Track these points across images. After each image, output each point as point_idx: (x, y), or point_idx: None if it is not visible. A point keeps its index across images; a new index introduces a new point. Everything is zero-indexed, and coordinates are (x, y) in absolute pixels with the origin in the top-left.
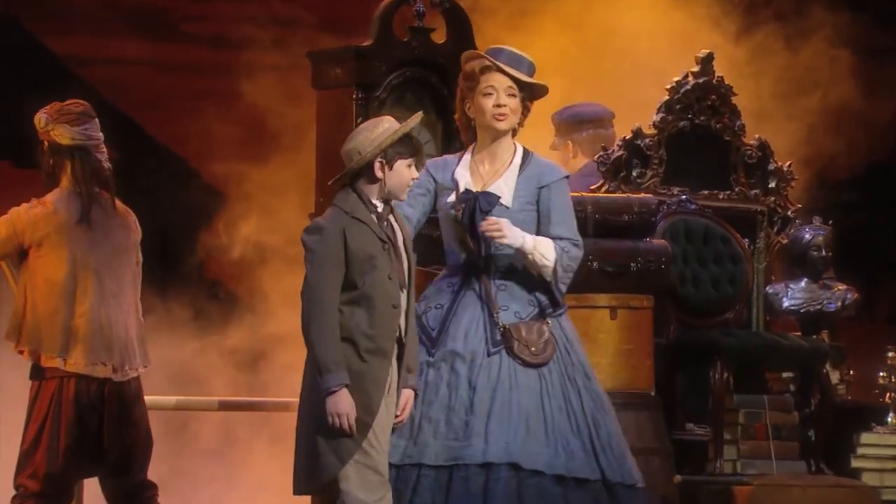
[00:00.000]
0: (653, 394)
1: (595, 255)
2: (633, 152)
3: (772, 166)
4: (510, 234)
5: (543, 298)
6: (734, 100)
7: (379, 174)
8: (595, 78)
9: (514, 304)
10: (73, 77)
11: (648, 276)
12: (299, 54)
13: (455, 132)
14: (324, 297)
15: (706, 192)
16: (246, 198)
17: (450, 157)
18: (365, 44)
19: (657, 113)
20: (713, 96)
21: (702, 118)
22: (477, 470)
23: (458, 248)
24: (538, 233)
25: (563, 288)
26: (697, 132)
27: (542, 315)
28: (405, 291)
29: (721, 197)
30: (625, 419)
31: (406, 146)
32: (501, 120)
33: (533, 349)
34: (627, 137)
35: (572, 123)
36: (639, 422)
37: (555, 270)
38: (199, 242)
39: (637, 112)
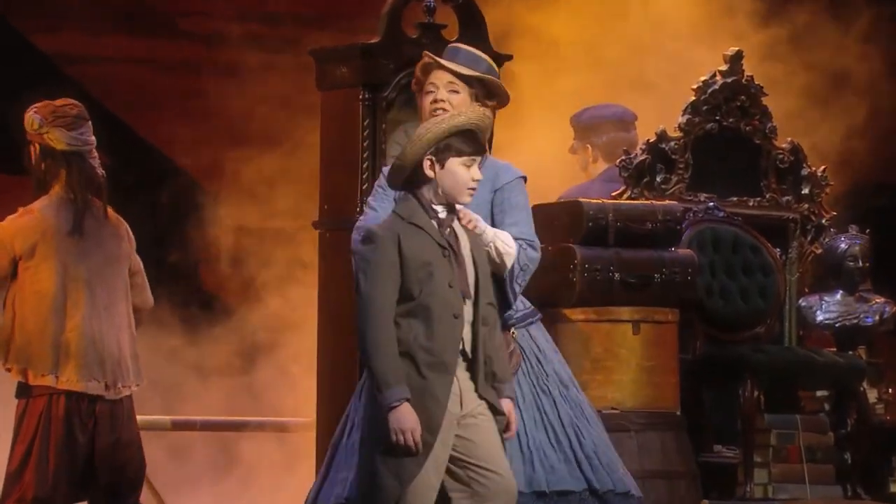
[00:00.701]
0: (678, 413)
1: (617, 265)
2: (658, 156)
3: (805, 171)
4: (480, 223)
5: (506, 307)
6: (765, 100)
7: (429, 173)
8: (621, 74)
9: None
10: (63, 76)
11: (673, 287)
12: (302, 52)
13: None
14: (379, 309)
15: (735, 198)
16: (243, 205)
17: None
18: (372, 41)
19: (683, 114)
20: (742, 96)
21: (730, 120)
22: None
23: None
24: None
25: (518, 289)
26: (726, 135)
27: (504, 325)
28: (470, 301)
29: (751, 204)
30: (648, 440)
31: (463, 143)
32: (439, 115)
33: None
34: (651, 140)
35: (592, 126)
36: (663, 443)
37: (513, 267)
38: (192, 250)
39: (663, 113)
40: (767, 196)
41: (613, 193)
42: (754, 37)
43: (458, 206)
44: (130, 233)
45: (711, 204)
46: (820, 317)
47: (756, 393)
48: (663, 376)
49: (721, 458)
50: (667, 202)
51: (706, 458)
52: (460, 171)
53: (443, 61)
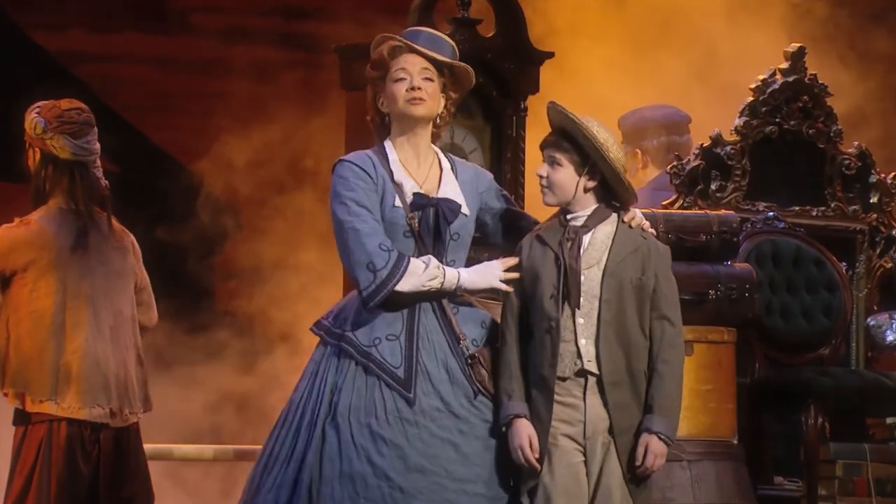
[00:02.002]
0: (735, 442)
1: None
2: (712, 162)
3: (873, 178)
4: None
5: (484, 314)
6: (829, 101)
7: None
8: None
9: (469, 328)
10: (67, 76)
11: (730, 305)
12: (325, 49)
13: (508, 140)
14: (504, 318)
15: (797, 207)
16: (263, 217)
17: (367, 155)
18: None
19: (739, 116)
20: (805, 97)
21: (792, 122)
22: None
23: None
24: (499, 237)
25: None
26: (786, 139)
27: (491, 338)
28: (581, 310)
29: (814, 214)
30: (703, 471)
31: None
32: (417, 104)
33: (490, 380)
34: (705, 145)
35: (641, 129)
36: (719, 474)
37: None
38: (208, 267)
39: (715, 116)
40: (832, 205)
41: (664, 202)
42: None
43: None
44: (136, 245)
45: (771, 214)
46: (890, 337)
47: (820, 420)
48: (719, 402)
49: (782, 492)
50: (722, 212)
51: (766, 491)
52: None
53: (416, 45)
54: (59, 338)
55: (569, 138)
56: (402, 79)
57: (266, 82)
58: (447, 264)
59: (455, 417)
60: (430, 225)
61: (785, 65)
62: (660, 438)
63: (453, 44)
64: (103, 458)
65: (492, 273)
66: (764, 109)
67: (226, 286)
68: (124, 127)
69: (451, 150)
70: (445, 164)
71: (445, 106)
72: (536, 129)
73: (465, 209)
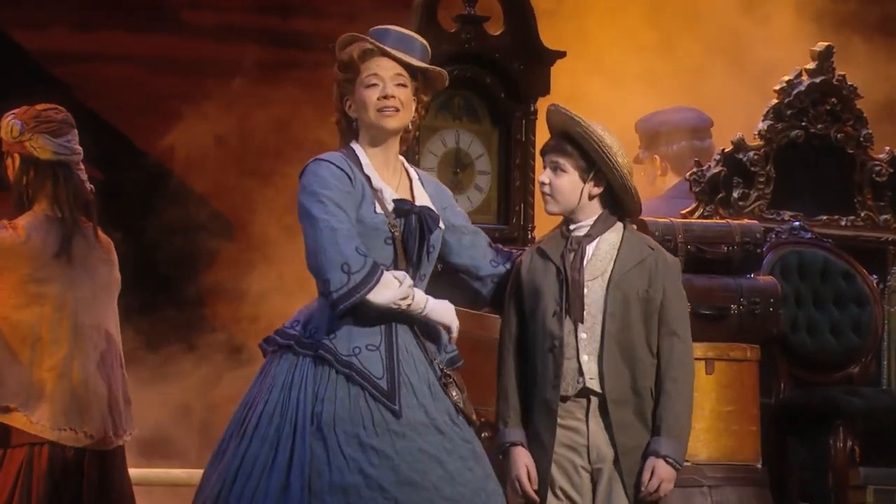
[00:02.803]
0: (759, 466)
1: (687, 295)
2: (734, 168)
3: None
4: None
5: (445, 337)
6: (859, 103)
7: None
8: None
9: (435, 343)
10: (48, 77)
11: (753, 321)
12: (323, 47)
13: (517, 144)
14: (501, 338)
15: (824, 217)
16: (258, 227)
17: (343, 157)
18: None
19: (763, 120)
20: (833, 99)
21: (819, 126)
22: None
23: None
24: (454, 258)
25: None
26: (813, 143)
27: (451, 360)
28: (584, 324)
29: (843, 223)
30: (725, 497)
31: None
32: (390, 116)
33: (463, 397)
34: (727, 150)
35: (660, 133)
36: (742, 501)
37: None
38: (198, 282)
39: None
40: (862, 214)
41: (683, 211)
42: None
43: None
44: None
45: (797, 223)
46: None
47: (849, 443)
48: (741, 424)
49: None
50: (745, 221)
51: None
52: None
53: (391, 49)
54: (35, 351)
55: (572, 142)
56: (373, 84)
57: (260, 83)
58: (420, 278)
59: (440, 433)
60: (412, 232)
61: (812, 65)
62: (667, 462)
63: (424, 42)
64: (87, 484)
65: (453, 312)
66: (789, 112)
67: (218, 302)
68: (109, 131)
69: (457, 155)
70: (413, 174)
71: (416, 110)
72: (548, 134)
73: (441, 222)
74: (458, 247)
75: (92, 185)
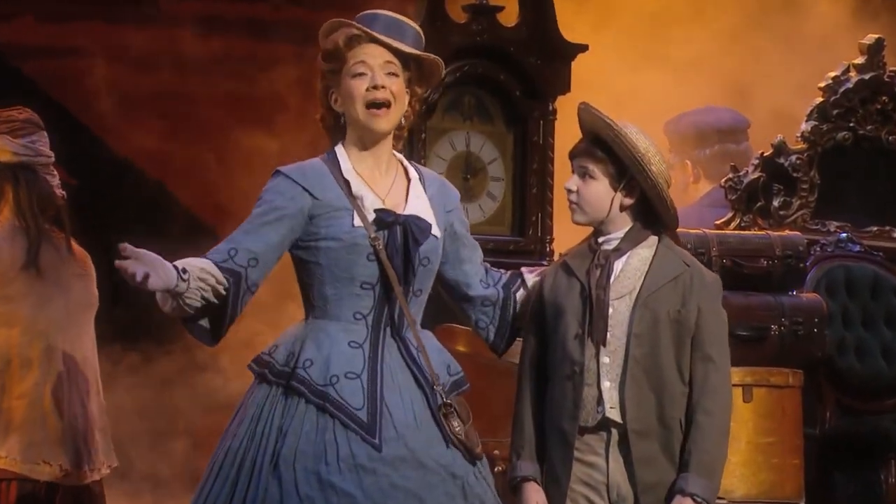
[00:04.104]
0: (802, 503)
1: None
2: (774, 174)
3: None
4: None
5: (449, 358)
6: None
7: None
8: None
9: (435, 370)
10: (12, 74)
11: (795, 342)
12: (318, 40)
13: (534, 147)
14: (521, 362)
15: (874, 228)
16: None
17: (314, 165)
18: None
19: (807, 120)
20: (884, 97)
21: (868, 127)
22: None
23: (362, 292)
24: (447, 268)
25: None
26: (862, 146)
27: (456, 384)
28: (606, 347)
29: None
30: None
31: None
32: (379, 116)
33: (466, 428)
34: (766, 154)
35: (691, 136)
36: None
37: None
38: None
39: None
40: None
41: (718, 221)
42: None
43: None
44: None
45: (844, 235)
46: None
47: None
48: (783, 456)
49: None
50: (787, 233)
51: None
52: None
53: (380, 35)
54: (3, 377)
55: (603, 147)
56: (361, 74)
57: (250, 80)
58: (414, 294)
59: (421, 468)
60: (397, 246)
61: (860, 59)
62: (695, 501)
63: (418, 28)
64: None
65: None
66: (836, 112)
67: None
68: (82, 133)
69: (467, 160)
70: (413, 174)
71: (410, 103)
72: (567, 136)
73: (435, 230)
74: (454, 258)
75: (64, 192)
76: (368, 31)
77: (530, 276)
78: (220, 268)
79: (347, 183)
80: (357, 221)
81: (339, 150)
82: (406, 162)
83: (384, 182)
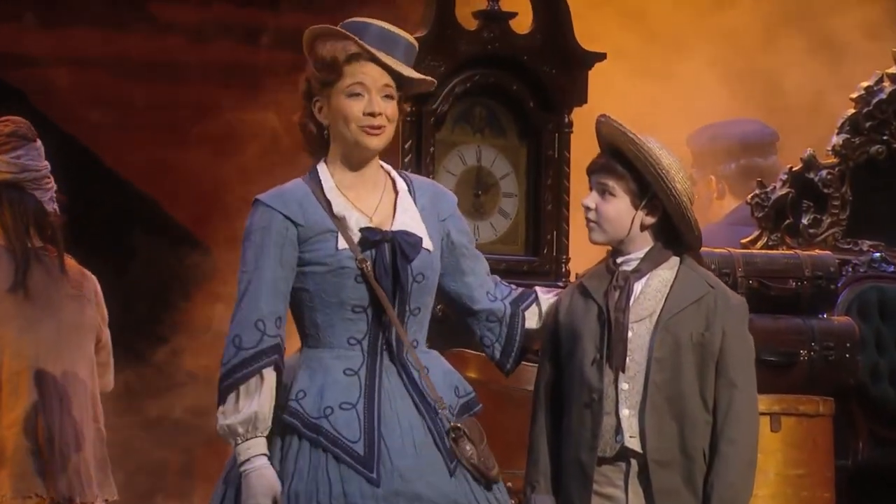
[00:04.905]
0: None
1: None
2: (804, 190)
3: None
4: None
5: (458, 379)
6: None
7: None
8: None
9: (441, 393)
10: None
11: (826, 368)
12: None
13: (549, 162)
14: (535, 390)
15: None
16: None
17: (294, 189)
18: (416, 35)
19: (838, 133)
20: None
21: None
22: None
23: (354, 316)
24: (447, 281)
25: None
26: None
27: (467, 405)
28: (626, 373)
29: None
30: None
31: None
32: (374, 135)
33: (480, 450)
34: (795, 169)
35: (716, 149)
36: None
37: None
38: (174, 320)
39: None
40: None
41: (743, 240)
42: None
43: None
44: (100, 293)
45: (877, 255)
46: None
47: None
48: (813, 490)
49: None
50: (817, 252)
51: None
52: None
53: (379, 54)
54: None
55: (624, 162)
56: (358, 94)
57: (244, 88)
58: (412, 313)
59: (417, 500)
60: (386, 266)
61: (894, 69)
62: None
63: (410, 38)
64: None
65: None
66: (868, 125)
67: (196, 341)
68: (70, 145)
69: (478, 175)
70: (401, 185)
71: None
72: (584, 149)
73: (427, 242)
74: (454, 269)
75: (56, 207)
76: (371, 49)
77: (546, 297)
78: (263, 353)
79: (328, 203)
80: (342, 244)
81: (322, 168)
82: (395, 173)
83: (371, 199)
